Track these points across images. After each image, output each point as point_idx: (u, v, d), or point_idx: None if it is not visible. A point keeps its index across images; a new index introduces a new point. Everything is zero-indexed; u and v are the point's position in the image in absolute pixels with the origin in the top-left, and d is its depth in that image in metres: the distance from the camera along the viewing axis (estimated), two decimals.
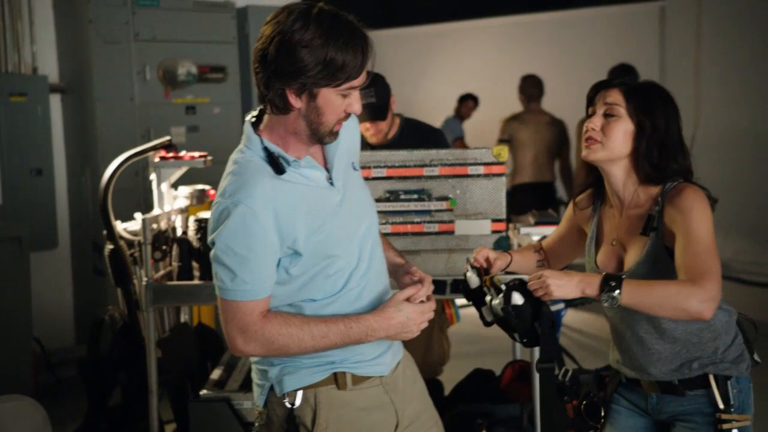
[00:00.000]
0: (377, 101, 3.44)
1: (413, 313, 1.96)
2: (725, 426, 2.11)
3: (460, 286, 2.24)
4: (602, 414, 2.31)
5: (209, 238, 1.91)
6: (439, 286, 2.57)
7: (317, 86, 1.84)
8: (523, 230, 3.62)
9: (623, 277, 1.94)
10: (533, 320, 2.01)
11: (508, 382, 3.75)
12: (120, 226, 3.73)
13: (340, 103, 1.89)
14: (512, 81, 9.73)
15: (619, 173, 2.17)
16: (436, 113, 8.97)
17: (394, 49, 9.96)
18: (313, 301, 1.97)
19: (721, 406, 2.12)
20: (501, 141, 6.59)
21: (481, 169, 3.14)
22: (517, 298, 2.00)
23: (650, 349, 2.18)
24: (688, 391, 2.17)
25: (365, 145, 3.69)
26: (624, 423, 2.31)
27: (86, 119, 5.42)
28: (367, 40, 1.87)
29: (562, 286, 1.94)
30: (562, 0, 9.61)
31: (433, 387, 3.90)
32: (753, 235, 8.06)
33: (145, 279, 3.37)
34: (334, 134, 1.94)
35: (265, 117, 1.96)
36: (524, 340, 2.06)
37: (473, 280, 2.18)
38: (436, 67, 10.35)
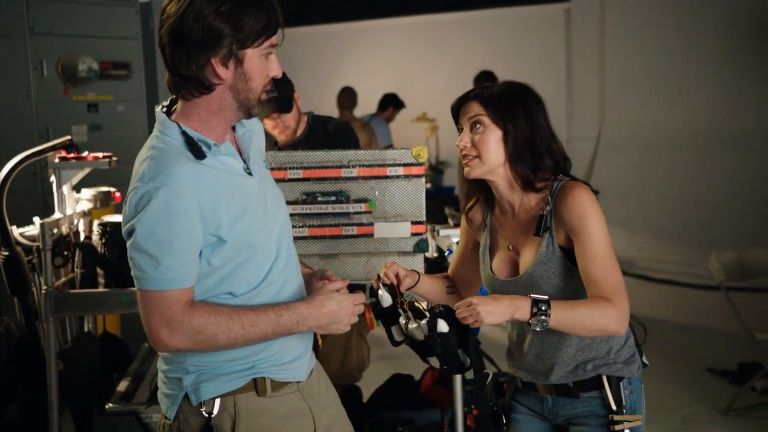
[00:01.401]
0: (279, 94, 3.45)
1: (345, 302, 1.93)
2: (617, 427, 2.15)
3: (371, 303, 2.18)
4: (504, 422, 2.32)
5: (126, 227, 1.82)
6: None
7: (243, 48, 1.85)
8: (443, 232, 3.60)
9: (547, 298, 1.96)
10: (458, 348, 2.00)
11: (427, 387, 3.71)
12: (16, 231, 3.54)
13: (264, 65, 1.90)
14: (421, 80, 9.82)
15: (502, 181, 2.17)
16: None
17: (304, 48, 9.87)
18: (233, 296, 1.90)
19: (614, 407, 2.16)
20: None
21: (401, 170, 3.09)
22: (443, 326, 1.97)
23: (547, 353, 2.19)
24: (582, 393, 2.19)
25: (275, 146, 3.63)
26: (525, 429, 2.32)
27: None
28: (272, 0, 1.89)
29: (491, 312, 1.94)
30: (471, 0, 9.71)
31: (352, 393, 3.84)
32: (657, 233, 8.30)
33: (44, 287, 3.21)
34: (260, 104, 1.95)
35: (179, 105, 1.93)
36: (444, 368, 2.05)
37: (386, 299, 2.12)
38: (346, 66, 10.30)
